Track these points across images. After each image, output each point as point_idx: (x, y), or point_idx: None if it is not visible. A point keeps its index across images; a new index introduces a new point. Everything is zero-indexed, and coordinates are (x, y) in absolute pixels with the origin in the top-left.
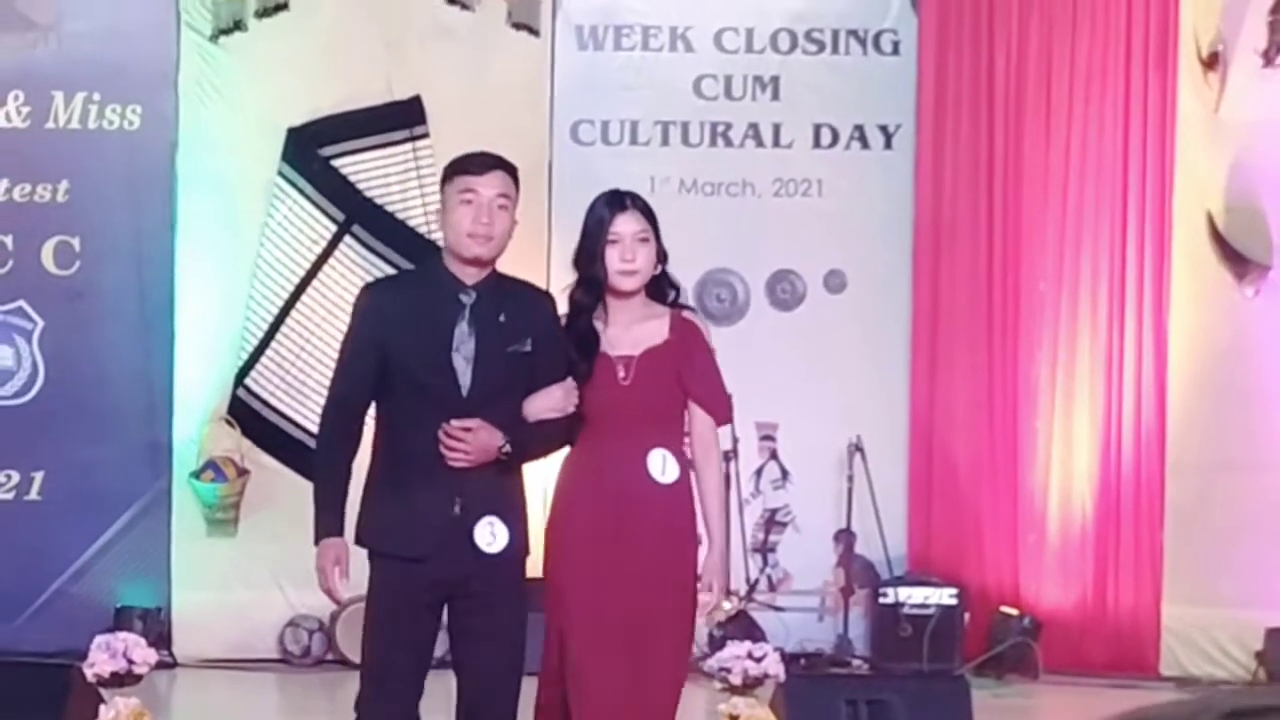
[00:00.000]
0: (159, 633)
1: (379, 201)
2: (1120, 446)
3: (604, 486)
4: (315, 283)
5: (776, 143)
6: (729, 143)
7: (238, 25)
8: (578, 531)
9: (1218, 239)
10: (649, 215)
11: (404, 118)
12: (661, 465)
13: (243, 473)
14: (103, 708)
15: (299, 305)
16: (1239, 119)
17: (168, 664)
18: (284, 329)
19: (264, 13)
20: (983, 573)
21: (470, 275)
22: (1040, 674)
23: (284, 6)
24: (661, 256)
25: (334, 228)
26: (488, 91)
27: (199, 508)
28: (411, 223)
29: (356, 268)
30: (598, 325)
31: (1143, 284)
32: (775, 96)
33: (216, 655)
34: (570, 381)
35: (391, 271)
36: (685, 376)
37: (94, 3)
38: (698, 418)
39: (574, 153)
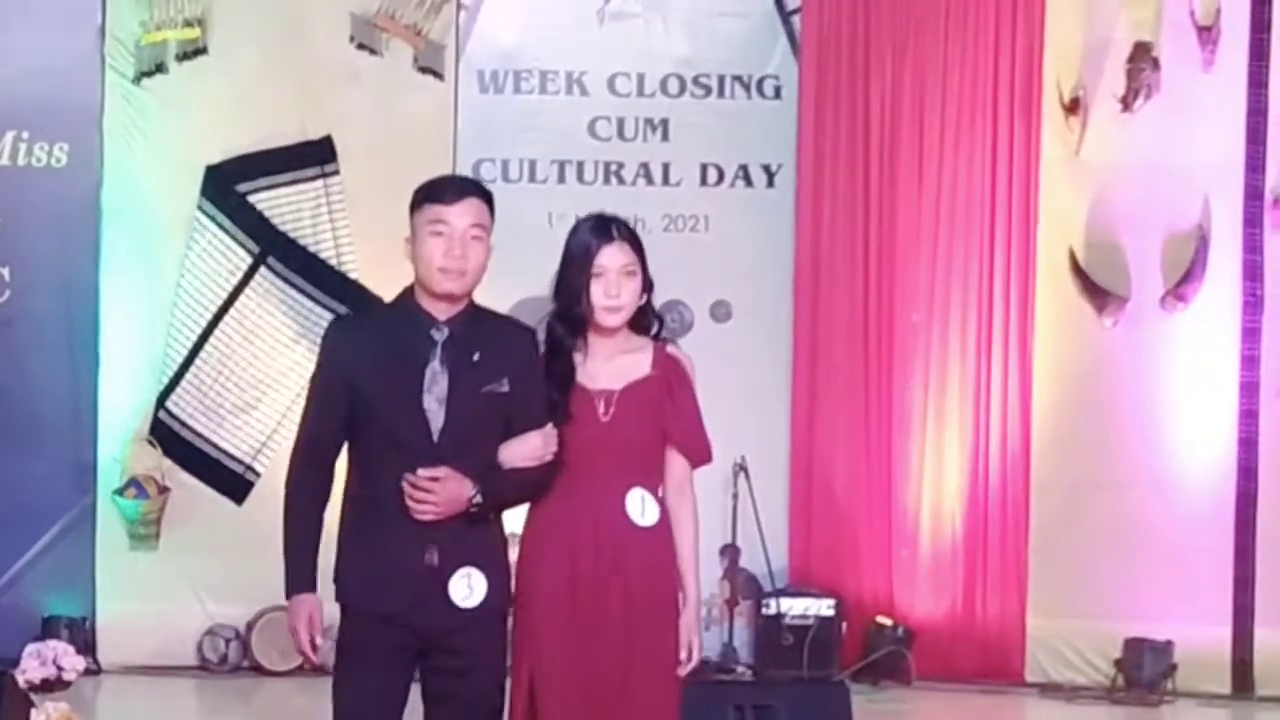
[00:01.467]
0: (84, 641)
1: (292, 235)
2: (988, 467)
3: (579, 528)
4: (232, 311)
5: (666, 181)
6: (621, 181)
7: (159, 68)
8: (551, 576)
9: (1079, 273)
10: (636, 246)
11: (316, 156)
12: (641, 506)
13: (163, 490)
14: (34, 712)
15: (217, 333)
16: (1099, 161)
17: (93, 671)
18: (202, 355)
19: (184, 56)
20: (859, 585)
21: (442, 310)
22: (913, 680)
23: (203, 51)
24: (646, 286)
25: (250, 260)
26: (395, 132)
27: (122, 523)
28: (323, 255)
29: (271, 298)
30: (576, 357)
31: (1009, 315)
32: (665, 138)
33: (139, 662)
34: (550, 428)
35: (303, 300)
36: (667, 415)
37: (23, 46)
38: (674, 459)
39: None
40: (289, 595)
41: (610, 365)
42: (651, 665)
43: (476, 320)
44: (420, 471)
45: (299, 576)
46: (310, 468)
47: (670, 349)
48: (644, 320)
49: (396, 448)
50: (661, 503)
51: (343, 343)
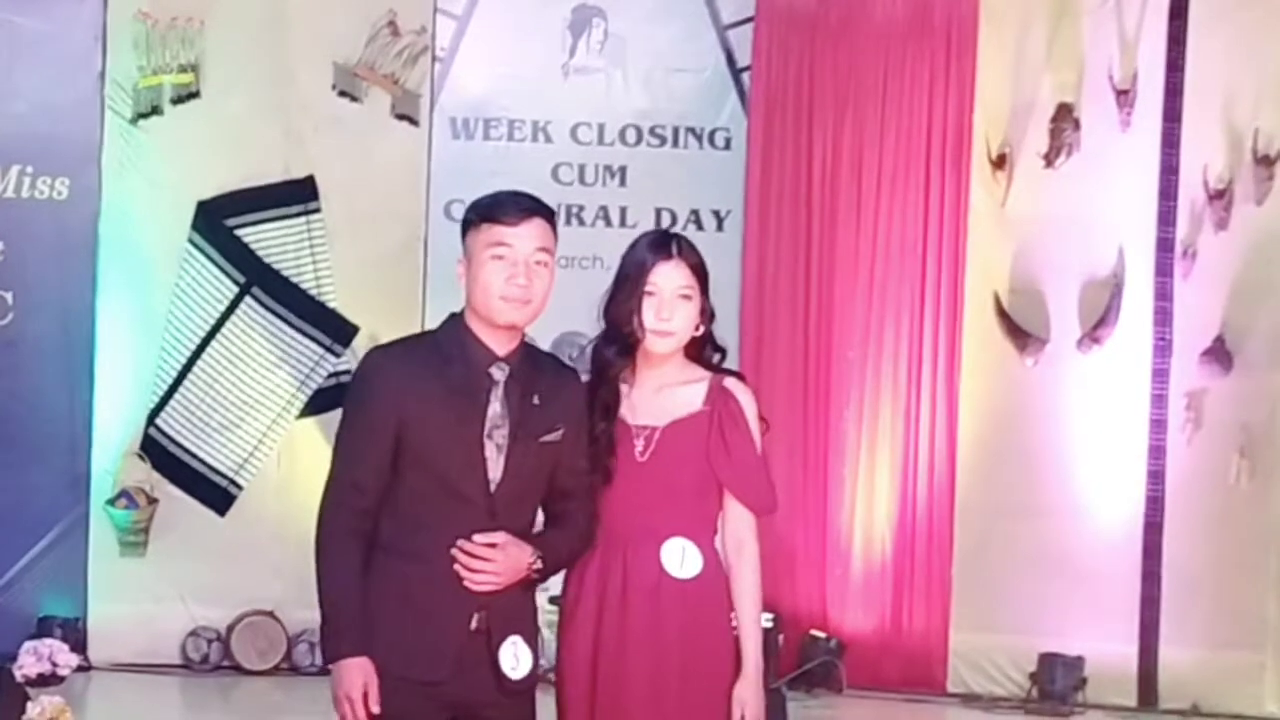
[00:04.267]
0: (77, 640)
1: (276, 267)
2: (915, 493)
3: (609, 582)
4: (219, 336)
5: (623, 223)
6: (582, 223)
7: (155, 110)
8: (578, 636)
9: (1003, 316)
10: (698, 268)
11: (299, 194)
12: (680, 557)
13: (152, 501)
14: (30, 704)
15: (204, 356)
16: (1022, 213)
17: (84, 668)
18: (190, 376)
19: (178, 100)
20: (795, 600)
21: (501, 344)
22: (844, 689)
23: (196, 95)
24: (707, 316)
25: (236, 289)
26: (372, 173)
27: (113, 531)
28: (304, 286)
29: (255, 324)
30: (623, 386)
31: (937, 353)
32: (623, 183)
33: (127, 660)
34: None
35: (285, 328)
36: (715, 457)
37: (29, 88)
38: (731, 508)
39: (447, 229)
40: (333, 658)
41: (657, 399)
42: None
43: (533, 358)
44: (476, 538)
45: (347, 637)
46: (352, 513)
47: (728, 382)
48: (703, 354)
49: (448, 497)
50: (709, 553)
51: (393, 375)
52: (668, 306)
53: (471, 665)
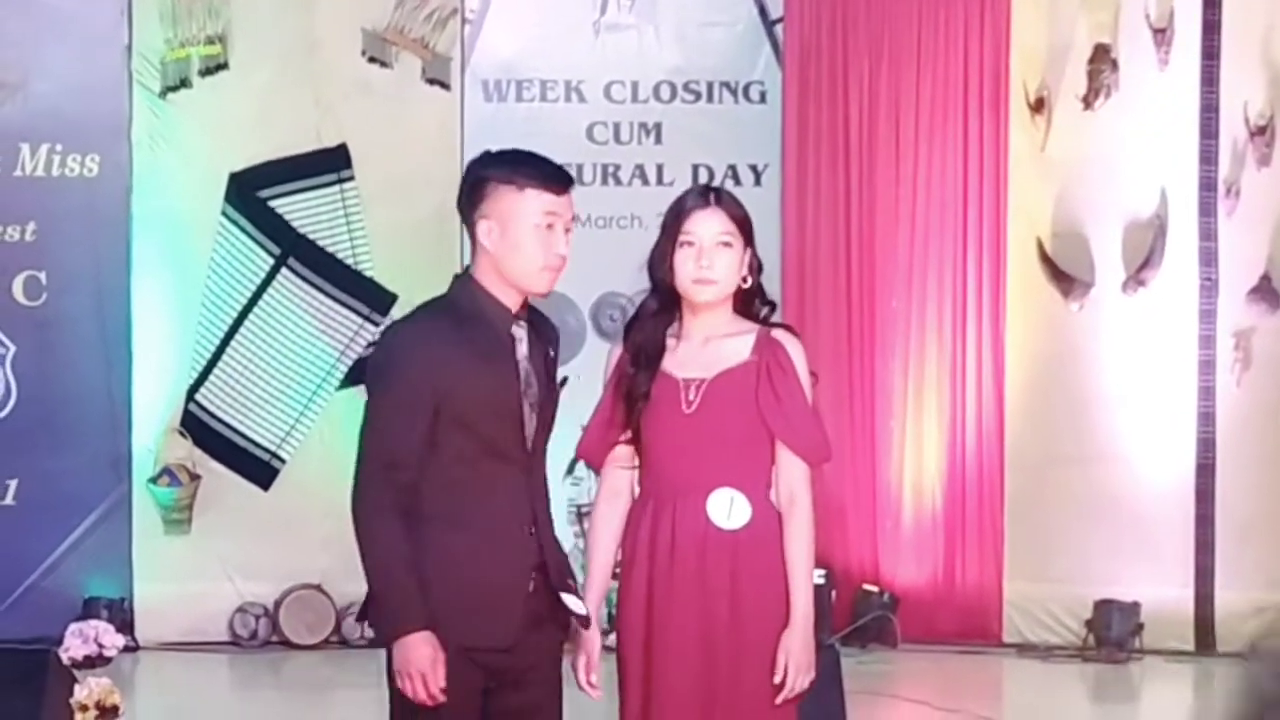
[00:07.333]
0: (123, 620)
1: (311, 237)
2: (964, 443)
3: (659, 534)
4: (256, 309)
5: (660, 181)
6: (618, 182)
7: (184, 83)
8: (632, 589)
9: (1046, 261)
10: (738, 218)
11: (332, 163)
12: (727, 508)
13: (194, 478)
14: (77, 687)
15: (242, 330)
16: (1063, 156)
17: (132, 648)
18: (229, 350)
19: (207, 72)
20: (847, 555)
21: (516, 302)
22: (899, 643)
23: (225, 66)
24: (754, 267)
25: (271, 261)
26: (405, 139)
27: (156, 509)
28: (340, 255)
29: (292, 296)
30: (670, 340)
31: (982, 301)
32: (658, 141)
33: (174, 639)
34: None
35: (322, 298)
36: (765, 407)
37: (56, 64)
38: (784, 459)
39: None
40: (396, 635)
41: (705, 351)
42: (745, 690)
43: (532, 314)
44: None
45: (409, 612)
46: (395, 489)
47: (776, 332)
48: (752, 307)
49: (492, 460)
50: (760, 504)
51: (425, 349)
52: (707, 254)
53: (533, 627)
